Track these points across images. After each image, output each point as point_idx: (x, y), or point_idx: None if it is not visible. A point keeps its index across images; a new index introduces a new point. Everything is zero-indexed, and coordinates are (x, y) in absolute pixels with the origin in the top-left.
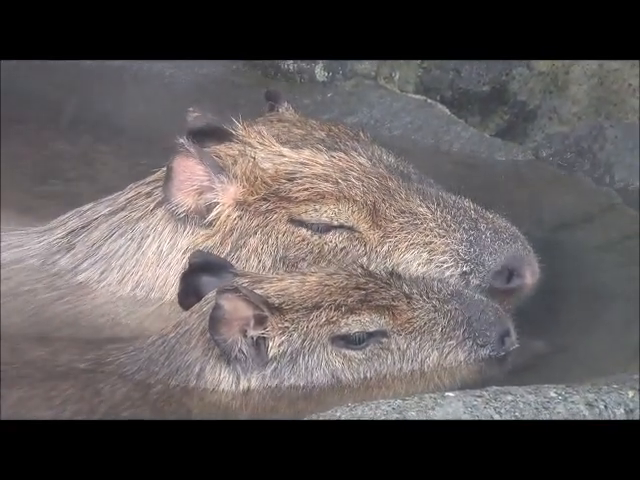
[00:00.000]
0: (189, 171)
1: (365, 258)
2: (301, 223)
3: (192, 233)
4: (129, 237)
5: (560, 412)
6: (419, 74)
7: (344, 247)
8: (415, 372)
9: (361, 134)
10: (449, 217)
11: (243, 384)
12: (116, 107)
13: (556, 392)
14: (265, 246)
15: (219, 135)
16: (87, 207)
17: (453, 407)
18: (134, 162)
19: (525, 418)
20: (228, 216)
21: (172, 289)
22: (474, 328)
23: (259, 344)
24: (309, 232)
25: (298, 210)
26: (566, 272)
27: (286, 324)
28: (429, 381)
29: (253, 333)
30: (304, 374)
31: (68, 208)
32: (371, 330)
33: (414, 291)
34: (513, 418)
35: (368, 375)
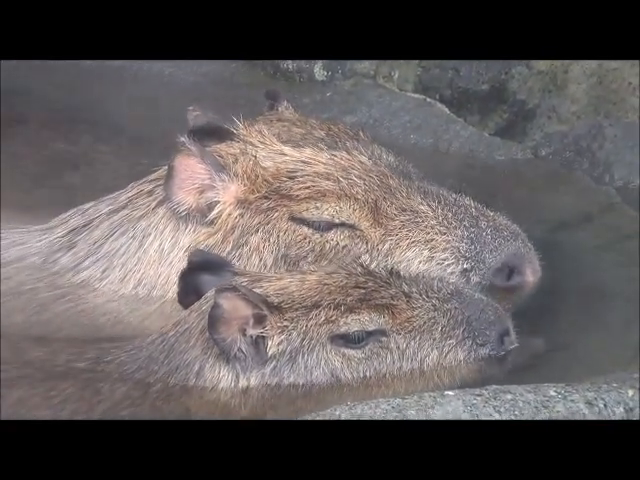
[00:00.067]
0: (190, 170)
1: (366, 256)
2: (302, 221)
3: (194, 231)
4: (131, 235)
5: (560, 411)
6: (418, 73)
7: (345, 245)
8: (415, 371)
9: (361, 133)
10: (450, 215)
11: (242, 382)
12: (115, 106)
13: (556, 391)
14: (266, 244)
15: (220, 134)
16: (88, 205)
17: (453, 406)
18: (134, 162)
19: (525, 417)
20: (229, 214)
21: (174, 287)
22: (474, 327)
23: (258, 343)
24: (310, 230)
25: (299, 208)
26: (565, 271)
27: (285, 323)
28: (429, 380)
29: (252, 332)
30: (303, 373)
31: (68, 208)
32: (370, 329)
33: (414, 290)
34: (513, 417)
35: (367, 374)
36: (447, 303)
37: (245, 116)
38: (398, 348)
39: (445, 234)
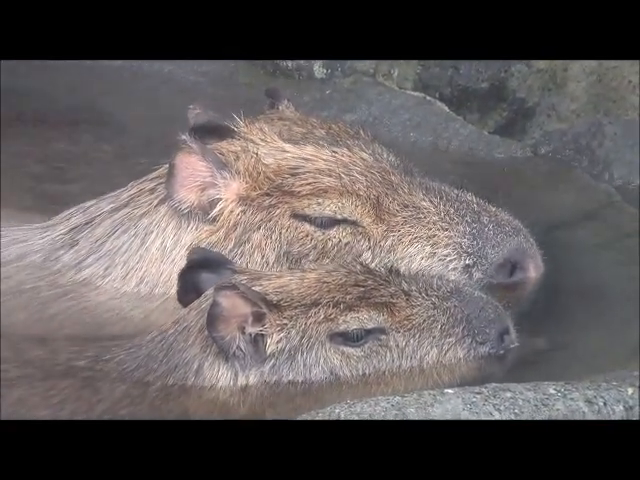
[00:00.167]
0: (192, 167)
1: (369, 252)
2: (304, 218)
3: (196, 229)
4: (132, 233)
5: (559, 409)
6: (418, 71)
7: (348, 242)
8: (414, 369)
9: (361, 132)
10: (452, 210)
11: (241, 381)
12: (115, 105)
13: (555, 389)
14: (269, 241)
15: (221, 132)
16: (90, 203)
17: (452, 404)
18: (134, 161)
19: (524, 415)
20: (231, 211)
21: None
22: (473, 325)
23: (257, 341)
24: (312, 227)
25: (301, 204)
26: (565, 270)
27: (284, 321)
28: (428, 378)
29: (251, 330)
30: (302, 371)
31: (68, 207)
32: (369, 327)
33: (413, 288)
34: (512, 415)
35: (367, 372)
36: (447, 301)
37: (245, 114)
38: (397, 346)
39: (447, 230)
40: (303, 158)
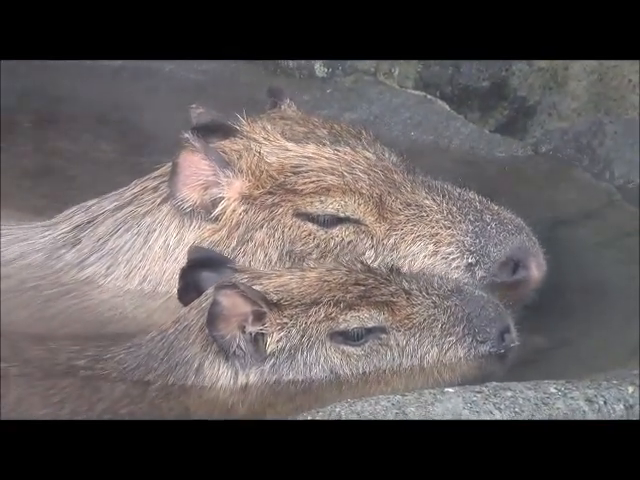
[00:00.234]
0: (194, 166)
1: (371, 251)
2: (307, 216)
3: (198, 227)
4: (135, 232)
5: (559, 408)
6: (418, 70)
7: (351, 241)
8: (414, 368)
9: (363, 132)
10: (455, 209)
11: (241, 380)
12: (115, 105)
13: (556, 388)
14: (271, 240)
15: (224, 131)
16: (92, 202)
17: (453, 403)
18: (135, 160)
19: (525, 414)
20: (234, 210)
21: None
22: (474, 324)
23: (257, 340)
24: (315, 226)
25: (304, 203)
26: (565, 268)
27: (285, 320)
28: (428, 377)
29: (251, 329)
30: (302, 370)
31: (69, 206)
32: (370, 326)
33: (413, 287)
34: (513, 414)
35: (367, 371)
36: (447, 300)
37: (247, 113)
38: (398, 345)
39: (450, 228)
40: (306, 156)
